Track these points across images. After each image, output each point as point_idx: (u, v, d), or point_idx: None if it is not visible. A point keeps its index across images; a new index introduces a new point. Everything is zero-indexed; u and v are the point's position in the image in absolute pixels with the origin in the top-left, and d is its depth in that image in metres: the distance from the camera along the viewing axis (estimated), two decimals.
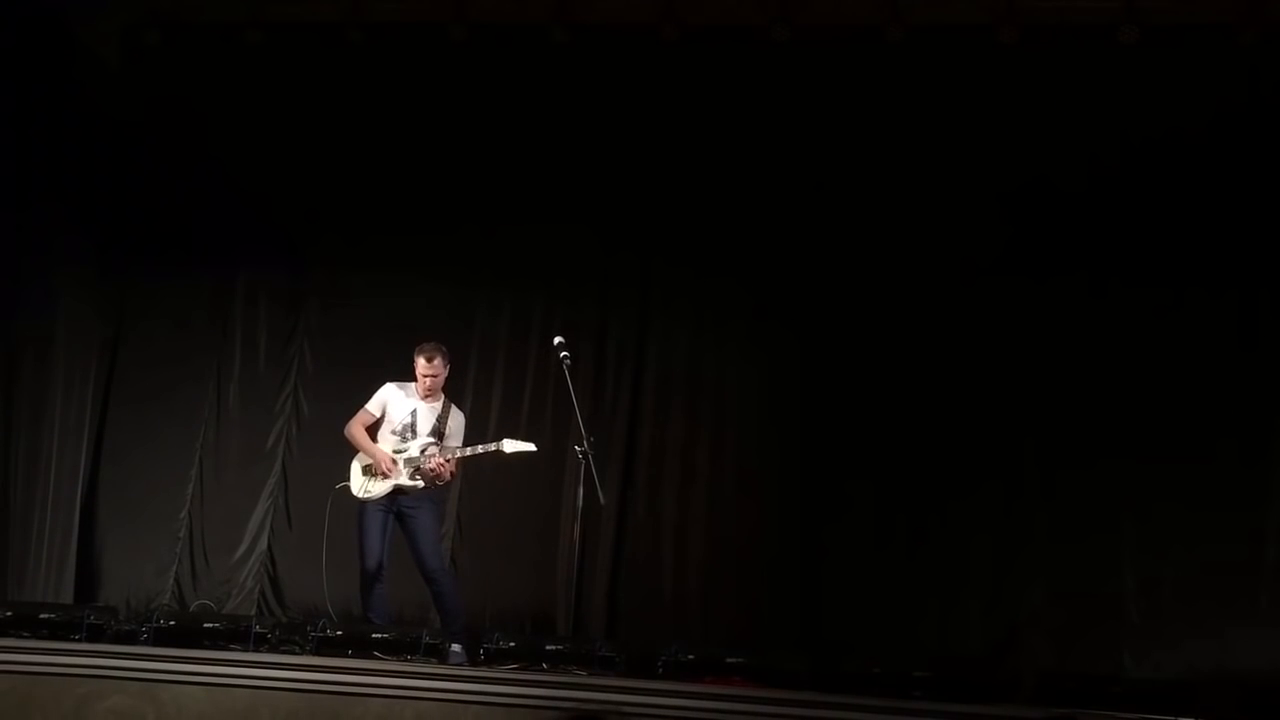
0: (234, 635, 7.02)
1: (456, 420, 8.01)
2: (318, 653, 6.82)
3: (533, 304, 9.43)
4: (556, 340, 7.88)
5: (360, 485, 7.88)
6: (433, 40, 9.39)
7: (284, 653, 6.86)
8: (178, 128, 9.68)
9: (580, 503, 7.51)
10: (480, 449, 7.87)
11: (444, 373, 7.95)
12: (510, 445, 7.76)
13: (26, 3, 8.68)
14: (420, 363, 7.90)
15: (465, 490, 9.07)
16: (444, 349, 7.98)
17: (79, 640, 6.83)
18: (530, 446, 7.84)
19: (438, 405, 7.97)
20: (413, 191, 9.52)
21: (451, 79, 9.47)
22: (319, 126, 9.62)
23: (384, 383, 8.06)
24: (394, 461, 7.81)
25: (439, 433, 7.89)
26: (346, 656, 6.71)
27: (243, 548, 9.34)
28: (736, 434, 9.09)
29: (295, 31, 9.57)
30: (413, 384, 7.98)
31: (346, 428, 8.01)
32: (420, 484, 7.81)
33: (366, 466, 7.89)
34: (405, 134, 9.52)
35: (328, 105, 9.62)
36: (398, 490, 7.80)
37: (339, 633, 7.03)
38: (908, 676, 6.59)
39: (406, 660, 6.69)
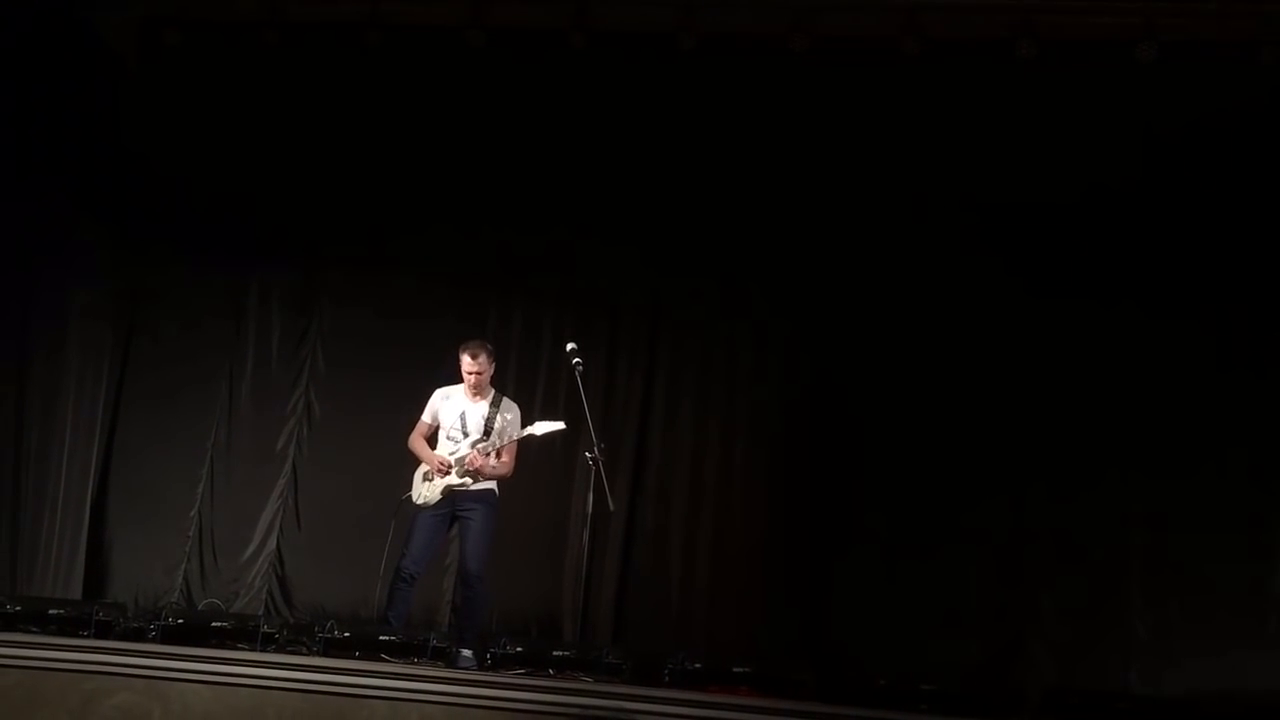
0: (241, 635, 7.01)
1: (510, 412, 8.00)
2: (325, 654, 6.81)
3: (544, 309, 9.46)
4: (569, 346, 7.85)
5: (419, 492, 7.91)
6: (450, 44, 9.38)
7: (291, 653, 6.86)
8: (194, 126, 9.68)
9: (590, 509, 7.52)
10: (516, 437, 7.89)
11: (489, 369, 7.95)
12: (541, 428, 7.82)
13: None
14: (465, 360, 7.90)
15: None
16: (488, 345, 8.00)
17: (87, 636, 6.82)
18: (560, 425, 7.87)
19: (485, 402, 7.96)
20: (427, 194, 9.54)
21: (468, 83, 9.47)
22: (335, 128, 9.62)
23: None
24: (448, 462, 7.84)
25: (488, 430, 7.88)
26: (353, 658, 6.71)
27: (252, 547, 9.36)
28: (746, 443, 9.11)
29: (313, 32, 9.57)
30: (459, 385, 7.99)
31: (409, 442, 8.05)
32: (469, 483, 7.81)
33: (425, 474, 7.93)
34: (421, 137, 9.53)
35: (344, 107, 9.62)
36: (450, 491, 7.81)
37: (346, 634, 7.03)
38: (913, 689, 6.59)
39: (413, 663, 6.69)
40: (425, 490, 7.88)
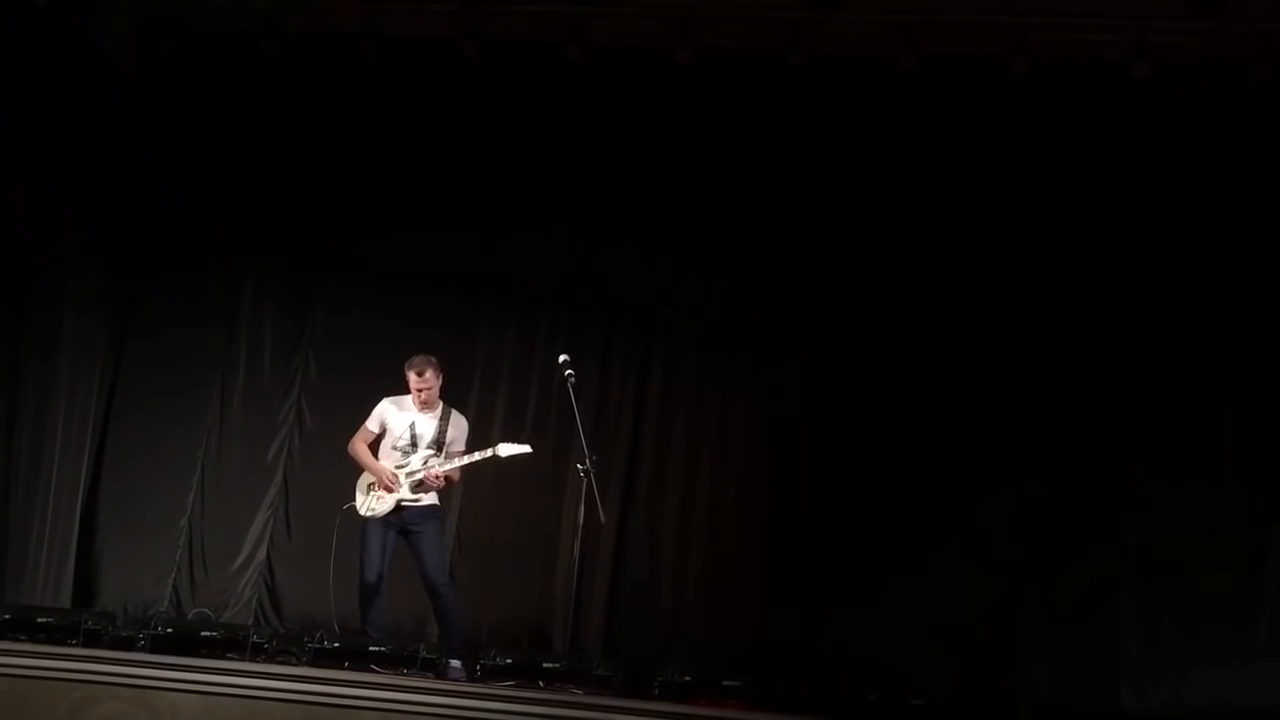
0: (231, 645, 7.00)
1: (459, 427, 7.99)
2: (314, 664, 6.80)
3: (538, 320, 9.45)
4: (561, 358, 7.86)
5: (364, 503, 7.85)
6: (446, 55, 9.40)
7: (280, 663, 6.84)
8: (188, 134, 9.68)
9: (581, 520, 7.51)
10: (477, 456, 7.84)
11: (437, 384, 7.91)
12: (505, 449, 7.77)
13: (44, 5, 8.70)
14: (411, 377, 7.86)
15: (466, 506, 9.09)
16: (433, 360, 7.93)
17: (76, 645, 6.81)
18: (525, 448, 7.84)
19: (436, 414, 7.95)
20: (421, 204, 9.53)
21: (463, 94, 9.50)
22: (330, 137, 9.64)
23: (381, 398, 8.06)
24: (396, 477, 7.83)
25: (439, 443, 7.87)
26: (343, 669, 6.69)
27: (242, 557, 9.35)
28: (738, 455, 9.10)
29: (308, 41, 9.59)
30: (408, 396, 7.96)
31: (349, 446, 7.98)
32: (422, 499, 7.80)
33: (370, 484, 7.88)
34: (416, 147, 9.53)
35: (339, 116, 9.64)
36: (401, 506, 7.79)
37: (336, 645, 7.01)
38: (905, 702, 6.59)
39: (403, 674, 6.68)
40: (374, 501, 7.83)
